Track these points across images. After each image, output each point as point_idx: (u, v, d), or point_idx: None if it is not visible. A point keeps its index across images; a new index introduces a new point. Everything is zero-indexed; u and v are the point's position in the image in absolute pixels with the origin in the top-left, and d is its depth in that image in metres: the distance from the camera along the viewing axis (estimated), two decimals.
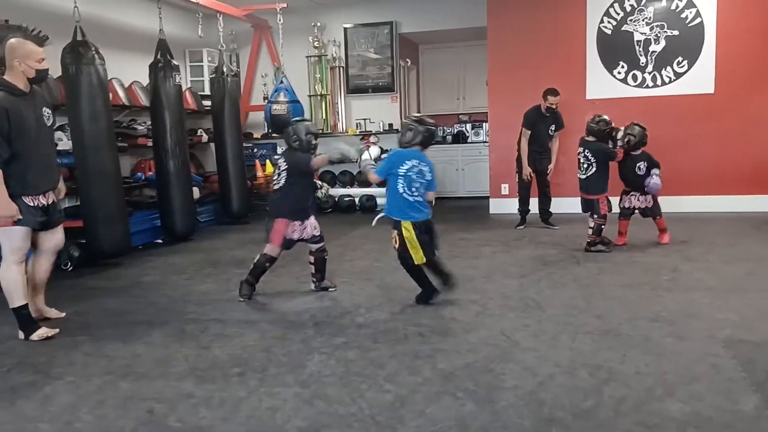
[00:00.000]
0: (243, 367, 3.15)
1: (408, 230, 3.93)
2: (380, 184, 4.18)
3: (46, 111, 3.77)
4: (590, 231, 5.58)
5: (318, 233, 4.48)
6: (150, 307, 4.38)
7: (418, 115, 4.11)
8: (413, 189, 3.93)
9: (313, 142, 4.45)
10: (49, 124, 3.79)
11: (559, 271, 4.95)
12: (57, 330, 3.78)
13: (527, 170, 6.85)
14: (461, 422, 2.48)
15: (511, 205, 7.94)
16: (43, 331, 3.74)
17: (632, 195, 5.77)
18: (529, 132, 6.80)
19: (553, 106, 6.75)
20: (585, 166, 5.56)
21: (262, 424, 2.54)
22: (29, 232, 3.69)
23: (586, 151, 5.56)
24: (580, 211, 5.74)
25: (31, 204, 3.65)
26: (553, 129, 6.85)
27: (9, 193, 3.52)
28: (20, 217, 3.58)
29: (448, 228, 7.11)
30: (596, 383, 2.81)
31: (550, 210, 6.99)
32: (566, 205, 7.04)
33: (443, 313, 3.93)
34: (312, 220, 4.47)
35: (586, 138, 5.62)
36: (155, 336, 3.73)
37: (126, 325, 3.93)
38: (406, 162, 3.93)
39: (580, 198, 5.69)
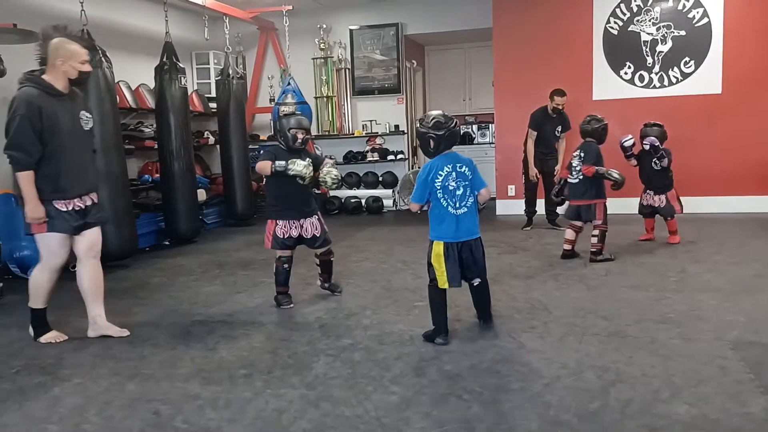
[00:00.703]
0: (249, 369, 3.15)
1: (437, 252, 3.41)
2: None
3: (86, 115, 3.67)
4: (594, 240, 5.23)
5: (318, 233, 4.26)
6: (156, 309, 4.40)
7: (433, 116, 3.44)
8: (457, 199, 3.38)
9: (300, 137, 4.16)
10: (88, 128, 3.67)
11: (566, 272, 4.93)
12: (66, 337, 3.74)
13: (533, 171, 6.84)
14: (467, 424, 2.48)
15: (518, 207, 7.93)
16: (51, 335, 3.71)
17: (648, 193, 5.79)
18: (536, 133, 6.80)
19: (560, 107, 6.73)
20: (578, 169, 5.25)
21: (269, 425, 2.55)
22: (65, 238, 3.57)
23: (581, 152, 5.27)
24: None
25: (64, 209, 3.52)
26: (559, 130, 6.84)
27: (39, 197, 3.44)
28: (46, 219, 3.47)
29: None
30: (603, 385, 2.80)
31: (557, 211, 6.97)
32: None
33: (449, 315, 3.91)
34: (313, 220, 4.27)
35: (587, 140, 5.35)
36: (162, 337, 3.74)
37: (132, 326, 3.94)
38: (439, 173, 3.38)
39: (569, 205, 5.41)
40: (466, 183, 3.42)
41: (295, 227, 4.20)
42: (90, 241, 3.69)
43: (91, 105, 5.36)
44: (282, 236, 4.20)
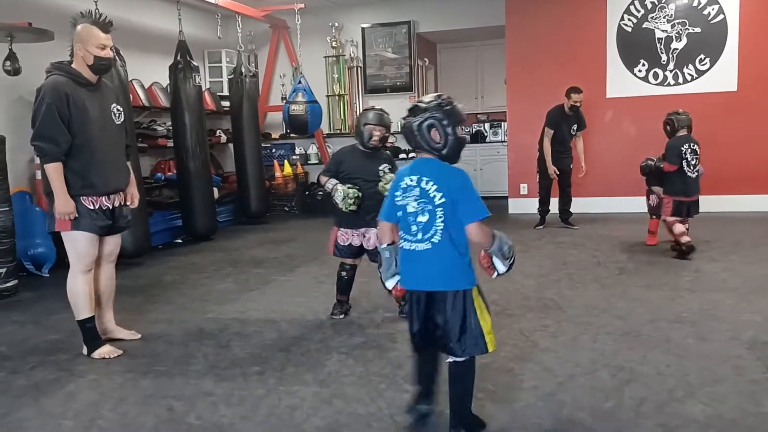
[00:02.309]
0: (262, 366, 3.16)
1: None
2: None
3: (116, 107, 3.43)
4: (686, 237, 5.17)
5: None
6: (170, 306, 4.42)
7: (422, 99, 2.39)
8: (419, 229, 2.27)
9: (377, 135, 3.69)
10: (119, 122, 3.44)
11: (579, 271, 4.91)
12: (121, 352, 3.43)
13: (552, 169, 6.67)
14: None
15: (530, 205, 7.88)
16: (106, 350, 3.41)
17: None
18: (552, 132, 6.69)
19: (578, 105, 6.62)
20: (693, 162, 5.19)
21: (282, 422, 2.55)
22: (94, 238, 3.34)
23: (694, 144, 5.20)
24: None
25: (91, 207, 3.30)
26: (575, 129, 6.75)
27: (69, 193, 3.23)
28: (76, 215, 3.25)
29: None
30: (617, 384, 2.78)
31: (571, 210, 6.92)
32: (585, 205, 6.96)
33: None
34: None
35: (680, 134, 5.28)
36: (175, 335, 3.76)
37: (146, 323, 3.97)
38: (399, 185, 2.34)
39: (689, 201, 5.25)
40: (433, 207, 2.23)
41: (357, 236, 3.82)
42: (111, 246, 3.53)
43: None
44: (342, 243, 3.86)
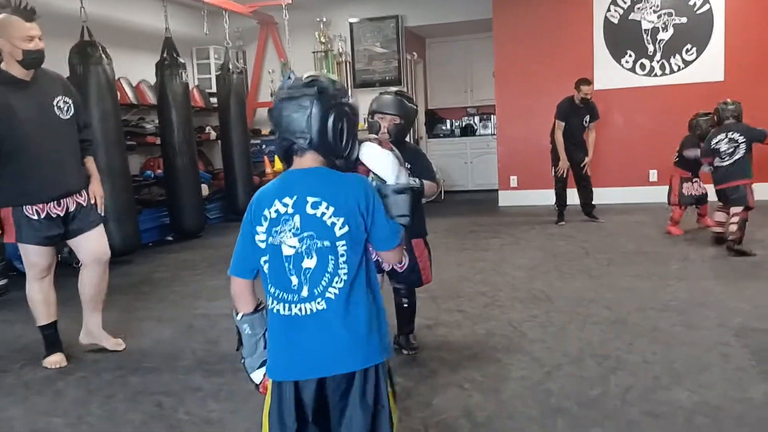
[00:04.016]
0: None
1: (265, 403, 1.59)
2: None
3: (62, 101, 3.08)
4: (734, 227, 4.91)
5: (404, 269, 2.90)
6: (159, 303, 4.41)
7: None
8: (292, 279, 1.50)
9: (386, 126, 2.91)
10: (66, 117, 3.09)
11: (569, 262, 4.93)
12: (65, 364, 3.26)
13: (565, 163, 6.51)
14: (467, 412, 2.49)
15: (521, 197, 7.93)
16: (55, 359, 3.25)
17: (694, 181, 5.67)
18: (563, 124, 6.50)
19: (588, 96, 6.48)
20: (731, 150, 5.11)
21: None
22: (41, 248, 3.10)
23: (733, 133, 5.12)
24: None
25: (35, 216, 3.02)
26: (587, 120, 6.59)
27: (3, 202, 3.01)
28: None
29: (457, 221, 7.10)
30: (603, 372, 2.80)
31: (593, 203, 6.71)
32: (573, 196, 6.95)
33: (451, 305, 3.93)
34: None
35: (727, 122, 5.21)
36: (164, 331, 3.75)
37: (135, 321, 3.97)
38: (265, 212, 1.54)
39: (717, 190, 5.19)
40: (331, 243, 1.49)
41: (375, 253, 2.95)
42: (88, 247, 3.22)
43: (92, 102, 5.40)
44: None
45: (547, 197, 7.04)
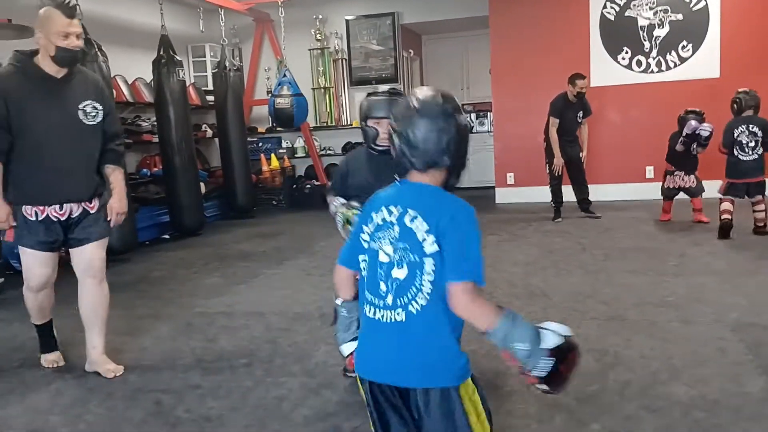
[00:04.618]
0: (249, 358, 3.17)
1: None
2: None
3: (91, 105, 2.91)
4: (761, 214, 5.21)
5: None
6: (157, 301, 4.41)
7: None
8: (390, 286, 1.51)
9: (384, 132, 2.49)
10: (91, 123, 2.92)
11: (565, 258, 4.94)
12: (63, 363, 3.23)
13: (559, 160, 6.51)
14: None
15: (518, 195, 7.94)
16: (51, 357, 3.22)
17: (677, 174, 5.81)
18: (557, 121, 6.50)
19: (583, 91, 6.49)
20: (752, 144, 5.20)
21: (269, 413, 2.57)
22: (39, 255, 2.93)
23: (753, 126, 5.21)
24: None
25: (33, 217, 2.86)
26: (581, 116, 6.61)
27: (6, 199, 2.86)
28: (13, 223, 2.88)
29: None
30: (601, 368, 2.81)
31: (589, 198, 6.73)
32: (570, 192, 6.96)
33: None
34: None
35: (747, 112, 5.30)
36: (162, 329, 3.75)
37: (134, 319, 3.96)
38: (373, 215, 1.59)
39: (741, 184, 5.26)
40: (417, 256, 1.48)
41: None
42: (84, 260, 3.00)
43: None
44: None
45: (544, 194, 7.03)
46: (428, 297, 1.47)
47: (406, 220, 1.50)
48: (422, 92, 1.58)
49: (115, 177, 3.06)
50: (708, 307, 3.57)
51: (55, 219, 2.89)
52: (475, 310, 1.46)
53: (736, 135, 5.24)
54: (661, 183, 6.09)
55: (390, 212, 1.53)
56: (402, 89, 1.83)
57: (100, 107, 2.95)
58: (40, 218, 2.87)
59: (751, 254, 4.72)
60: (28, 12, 5.58)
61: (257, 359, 3.16)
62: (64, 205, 2.90)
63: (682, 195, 5.96)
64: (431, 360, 1.49)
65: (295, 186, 9.11)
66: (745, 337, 3.09)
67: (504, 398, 2.58)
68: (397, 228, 1.51)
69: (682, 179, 5.82)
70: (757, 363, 2.78)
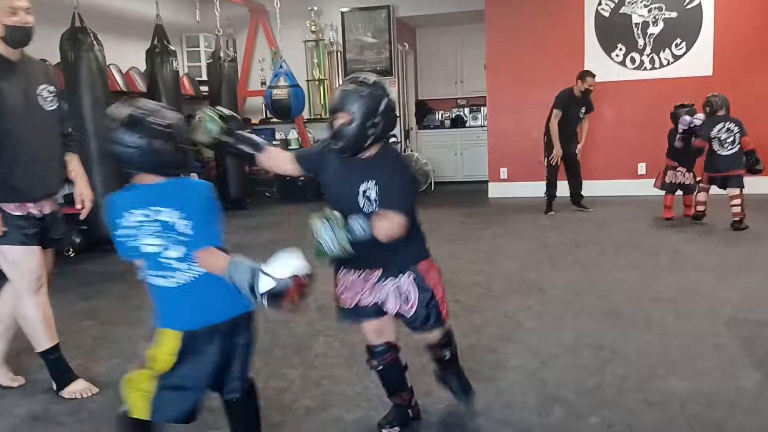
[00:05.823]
0: None
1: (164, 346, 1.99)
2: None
3: (46, 90, 2.69)
4: (737, 208, 5.47)
5: (412, 311, 2.27)
6: None
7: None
8: (157, 272, 1.98)
9: (336, 125, 2.12)
10: (50, 108, 2.70)
11: (560, 253, 4.98)
12: (97, 390, 2.80)
13: (559, 151, 6.55)
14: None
15: (511, 189, 7.97)
16: (79, 387, 2.77)
17: (679, 170, 5.86)
18: (560, 113, 6.53)
19: (591, 89, 6.53)
20: (730, 140, 5.50)
21: (271, 403, 2.57)
22: (32, 248, 2.65)
23: (729, 123, 5.53)
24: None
25: (18, 213, 2.62)
26: (583, 111, 6.66)
27: None
28: (4, 228, 2.58)
29: (447, 212, 7.13)
30: (599, 362, 2.85)
31: (582, 193, 6.81)
32: (564, 188, 7.01)
33: (446, 296, 3.94)
34: (401, 281, 2.26)
35: (719, 114, 5.62)
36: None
37: (131, 309, 3.95)
38: (124, 214, 1.88)
39: (718, 178, 5.59)
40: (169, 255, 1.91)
41: (367, 290, 2.32)
42: (49, 261, 2.81)
43: (83, 89, 5.35)
44: (346, 305, 2.37)
45: (537, 189, 7.07)
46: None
47: (150, 216, 1.89)
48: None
49: (77, 164, 2.89)
50: (702, 303, 3.61)
51: (36, 215, 2.69)
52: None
53: (716, 132, 5.52)
54: (654, 179, 6.14)
55: (130, 213, 1.89)
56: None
57: (54, 90, 2.74)
58: (23, 213, 2.64)
59: (742, 251, 4.78)
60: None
61: (256, 350, 3.13)
62: (41, 201, 2.70)
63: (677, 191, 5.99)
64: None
65: (288, 178, 9.08)
66: (739, 332, 3.14)
67: (503, 391, 2.61)
68: (147, 225, 1.88)
69: (684, 175, 5.86)
70: (752, 358, 2.83)
